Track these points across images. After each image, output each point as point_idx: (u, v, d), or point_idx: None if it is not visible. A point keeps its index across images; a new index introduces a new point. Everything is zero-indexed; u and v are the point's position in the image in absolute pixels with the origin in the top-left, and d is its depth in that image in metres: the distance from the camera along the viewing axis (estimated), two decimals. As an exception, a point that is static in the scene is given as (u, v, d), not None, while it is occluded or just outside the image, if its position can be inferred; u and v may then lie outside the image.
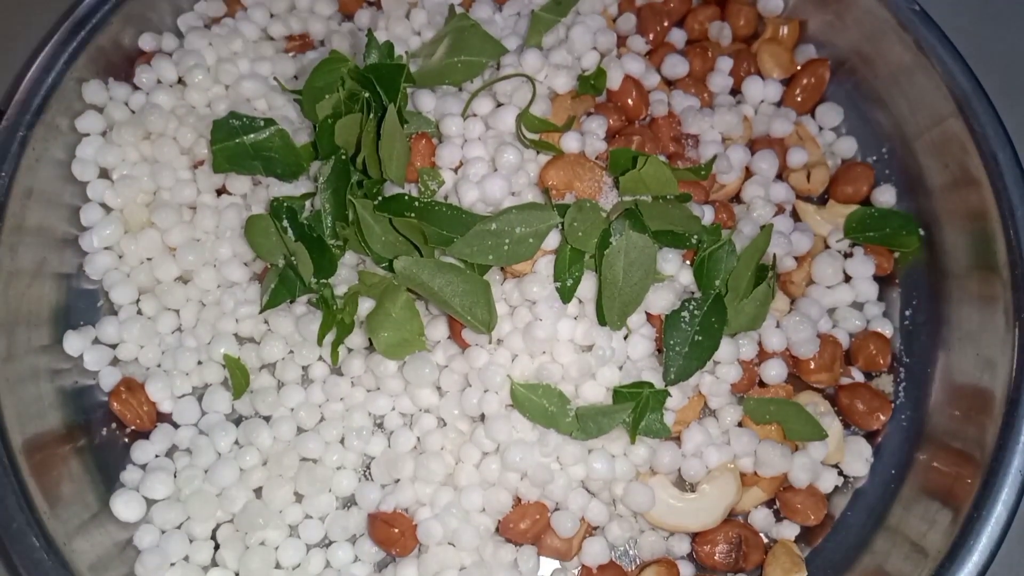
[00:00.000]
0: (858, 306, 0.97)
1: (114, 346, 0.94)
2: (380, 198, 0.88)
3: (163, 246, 0.95)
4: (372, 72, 0.89)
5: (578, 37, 0.96)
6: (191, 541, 0.87)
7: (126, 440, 0.92)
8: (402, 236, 0.87)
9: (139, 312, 0.95)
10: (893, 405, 0.94)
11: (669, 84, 1.03)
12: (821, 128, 1.05)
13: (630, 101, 0.98)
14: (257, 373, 0.92)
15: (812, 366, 0.92)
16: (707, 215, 0.91)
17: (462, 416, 0.87)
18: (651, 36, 1.04)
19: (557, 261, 0.86)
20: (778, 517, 0.91)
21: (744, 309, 0.88)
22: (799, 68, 1.05)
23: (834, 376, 0.93)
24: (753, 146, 1.00)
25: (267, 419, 0.90)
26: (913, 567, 0.82)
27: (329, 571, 0.87)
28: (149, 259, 0.95)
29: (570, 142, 0.91)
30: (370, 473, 0.90)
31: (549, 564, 0.87)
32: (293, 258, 0.88)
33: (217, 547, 0.87)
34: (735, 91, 1.05)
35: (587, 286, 0.86)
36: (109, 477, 0.90)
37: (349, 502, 0.89)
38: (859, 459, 0.91)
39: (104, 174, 0.98)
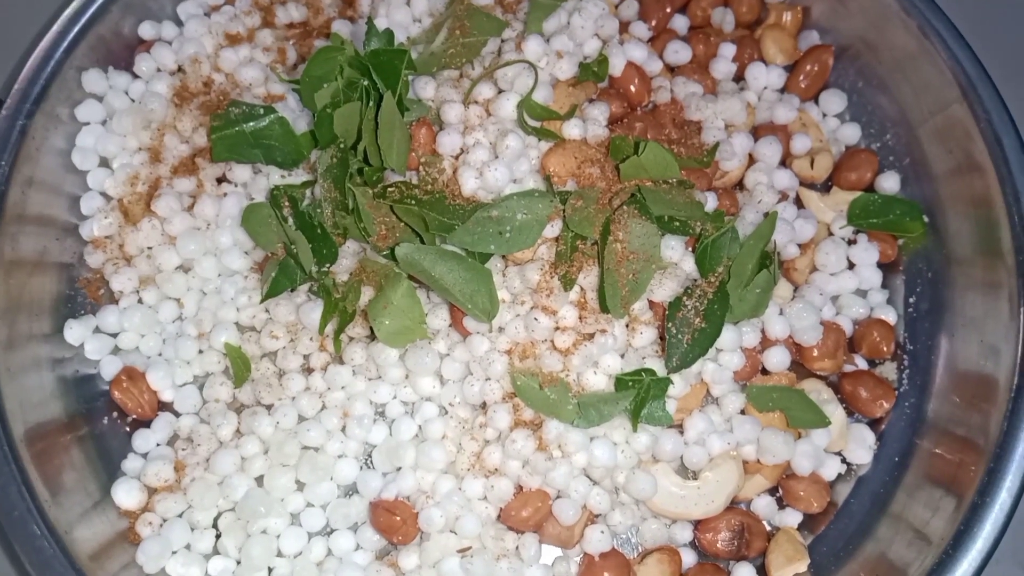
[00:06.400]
0: (862, 293, 0.97)
1: (115, 335, 0.94)
2: (380, 186, 0.88)
3: (163, 235, 0.95)
4: (373, 59, 0.88)
5: (580, 23, 0.95)
6: (192, 529, 0.87)
7: (127, 429, 0.93)
8: (403, 223, 0.87)
9: (140, 301, 0.95)
10: (896, 392, 0.93)
11: (672, 70, 1.03)
12: (825, 115, 1.04)
13: (632, 88, 0.98)
14: (258, 361, 0.92)
15: (815, 353, 0.92)
16: (710, 202, 0.91)
17: (464, 404, 0.87)
18: (653, 22, 1.03)
19: (559, 248, 0.86)
20: (781, 505, 0.91)
21: (747, 296, 0.87)
22: (802, 54, 1.05)
23: (837, 363, 0.93)
24: (756, 133, 1.00)
25: (268, 407, 0.90)
26: (916, 554, 0.82)
27: (330, 559, 0.87)
28: (150, 248, 0.95)
29: (572, 129, 0.91)
30: (371, 461, 0.90)
31: (551, 551, 0.87)
32: (293, 247, 0.87)
33: (218, 535, 0.87)
34: (738, 77, 1.04)
35: (589, 274, 0.86)
36: (111, 465, 0.90)
37: (351, 490, 0.89)
38: (862, 446, 0.91)
39: (104, 163, 0.98)
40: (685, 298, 0.86)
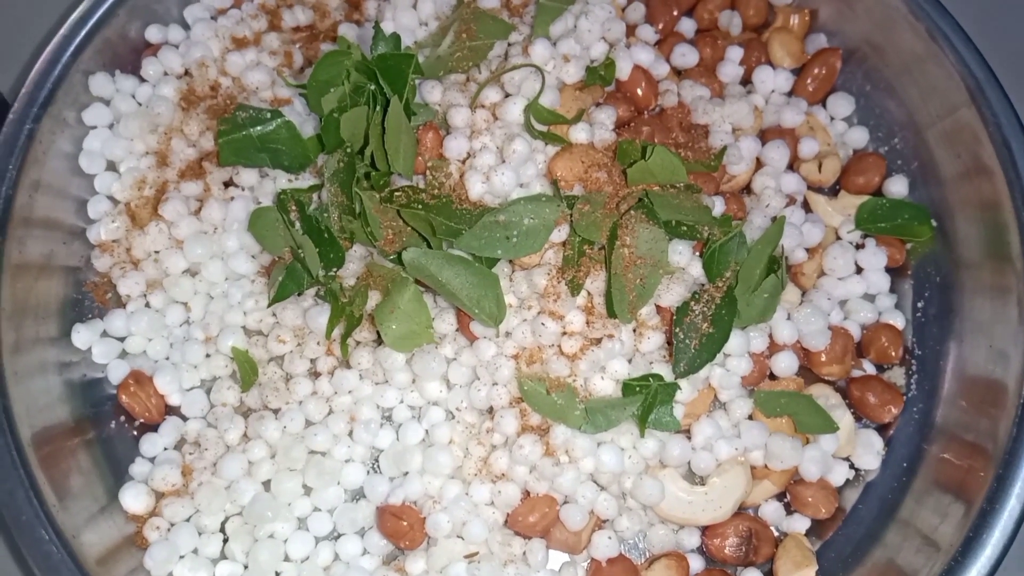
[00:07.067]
0: (870, 298, 0.97)
1: (122, 339, 0.94)
2: (387, 190, 0.88)
3: (170, 239, 0.95)
4: (380, 63, 0.88)
5: (586, 27, 0.95)
6: (200, 534, 0.87)
7: (135, 433, 0.93)
8: (410, 228, 0.87)
9: (147, 305, 0.95)
10: (905, 398, 0.93)
11: (679, 74, 1.02)
12: (832, 118, 1.04)
13: (639, 91, 0.97)
14: (265, 366, 0.92)
15: (823, 358, 0.92)
16: (717, 206, 0.91)
17: (470, 409, 0.87)
18: (660, 25, 1.03)
19: (566, 253, 0.86)
20: (789, 510, 0.91)
21: (754, 301, 0.87)
22: (810, 57, 1.05)
23: (845, 368, 0.93)
24: (764, 136, 0.99)
25: (275, 412, 0.90)
26: (925, 560, 0.82)
27: (337, 564, 0.87)
28: (157, 252, 0.95)
29: (579, 133, 0.91)
30: (379, 466, 0.89)
31: (558, 557, 0.87)
32: (300, 251, 0.87)
33: (226, 540, 0.87)
34: (745, 81, 1.04)
35: (597, 278, 0.86)
36: (118, 470, 0.90)
37: (358, 495, 0.89)
38: (870, 452, 0.91)
39: (111, 167, 0.98)
40: (693, 303, 0.85)
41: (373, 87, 0.88)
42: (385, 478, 0.88)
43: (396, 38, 0.92)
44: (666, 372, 0.85)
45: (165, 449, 0.91)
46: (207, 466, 0.88)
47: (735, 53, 1.03)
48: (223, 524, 0.88)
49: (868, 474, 0.92)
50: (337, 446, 0.88)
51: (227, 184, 0.98)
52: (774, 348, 0.91)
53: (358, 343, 0.91)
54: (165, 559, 0.85)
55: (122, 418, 0.93)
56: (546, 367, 0.84)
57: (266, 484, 0.88)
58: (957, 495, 0.84)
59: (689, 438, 0.87)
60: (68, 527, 0.82)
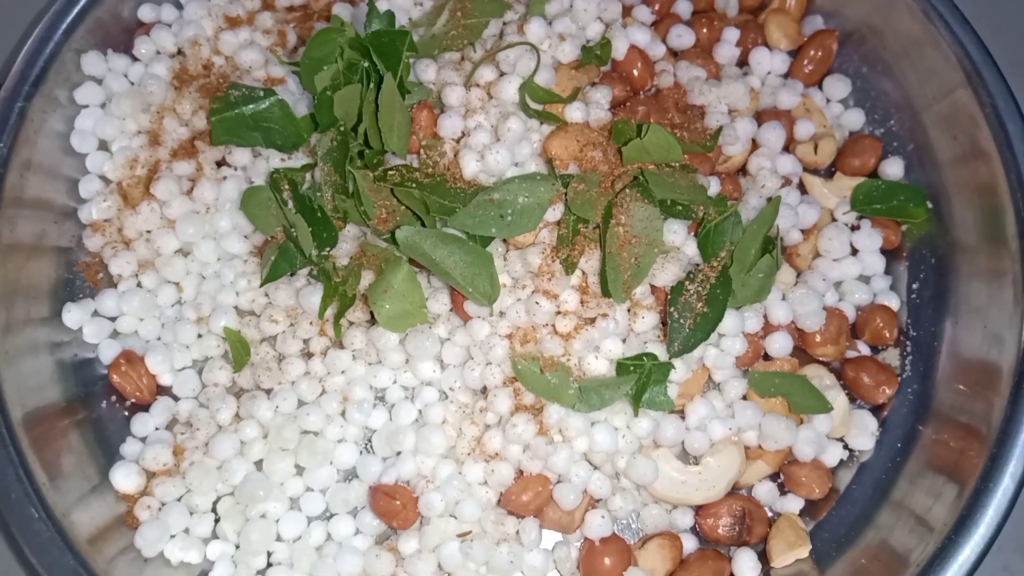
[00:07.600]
0: (865, 279, 0.96)
1: (114, 319, 0.94)
2: (381, 169, 0.87)
3: (162, 218, 0.94)
4: (373, 40, 0.87)
5: (583, 6, 0.95)
6: (191, 513, 0.87)
7: (126, 413, 0.92)
8: (404, 207, 0.86)
9: (139, 285, 0.94)
10: (899, 379, 0.93)
11: (675, 55, 1.02)
12: (828, 100, 1.04)
13: (635, 72, 0.97)
14: (257, 346, 0.91)
15: (818, 339, 0.91)
16: (713, 187, 0.90)
17: (464, 389, 0.87)
18: (657, 6, 1.03)
19: (561, 232, 0.85)
20: (782, 491, 0.90)
21: (749, 281, 0.87)
22: (806, 39, 1.04)
23: (840, 349, 0.92)
24: (760, 118, 0.99)
25: (268, 392, 0.89)
26: (918, 541, 0.81)
27: (330, 543, 0.87)
28: (149, 232, 0.95)
29: (574, 112, 0.90)
30: (371, 446, 0.89)
31: (551, 536, 0.87)
32: (293, 230, 0.87)
33: (217, 519, 0.87)
34: (742, 62, 1.03)
35: (591, 257, 0.85)
36: (109, 449, 0.90)
37: (350, 475, 0.89)
38: (864, 433, 0.91)
39: (103, 146, 0.98)
40: (687, 283, 0.85)
41: (367, 64, 0.88)
42: (378, 458, 0.87)
43: (390, 15, 0.91)
44: (660, 351, 0.85)
45: (156, 429, 0.90)
46: (199, 446, 0.88)
47: (731, 34, 1.02)
48: (214, 504, 0.88)
49: (862, 455, 0.92)
50: (330, 426, 0.88)
51: (220, 163, 0.97)
52: (769, 328, 0.90)
53: (351, 323, 0.90)
54: (156, 538, 0.85)
55: (113, 398, 0.93)
56: (540, 346, 0.84)
57: (258, 464, 0.88)
58: (951, 476, 0.83)
59: (683, 418, 0.87)
60: (59, 506, 0.81)
